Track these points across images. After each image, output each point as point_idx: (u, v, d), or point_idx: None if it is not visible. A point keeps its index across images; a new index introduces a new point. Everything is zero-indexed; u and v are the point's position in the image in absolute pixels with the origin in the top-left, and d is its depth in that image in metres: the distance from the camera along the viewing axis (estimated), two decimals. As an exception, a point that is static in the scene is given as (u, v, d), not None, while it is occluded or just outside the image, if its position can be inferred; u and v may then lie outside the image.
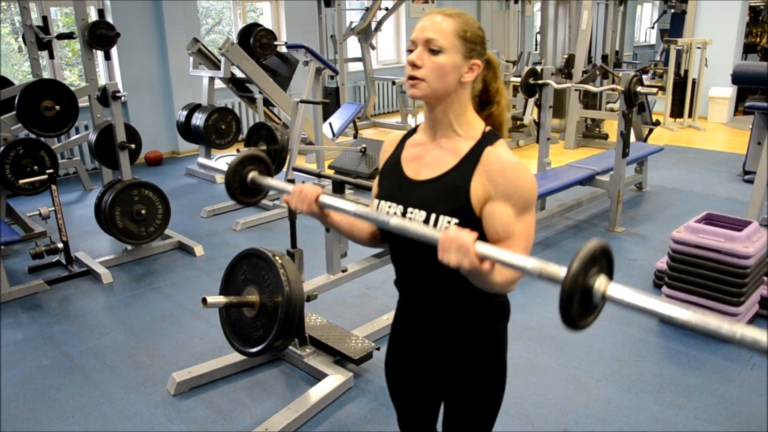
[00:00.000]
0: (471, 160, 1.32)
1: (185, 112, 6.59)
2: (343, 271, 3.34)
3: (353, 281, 3.50)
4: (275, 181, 1.55)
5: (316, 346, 3.05)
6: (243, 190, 1.57)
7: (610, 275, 1.01)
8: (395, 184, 1.42)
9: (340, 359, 2.98)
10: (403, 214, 1.37)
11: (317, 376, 2.91)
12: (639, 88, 4.57)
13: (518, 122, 8.13)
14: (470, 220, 1.31)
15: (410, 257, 1.44)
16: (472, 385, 1.48)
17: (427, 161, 1.39)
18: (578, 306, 0.98)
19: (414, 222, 1.24)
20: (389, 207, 1.40)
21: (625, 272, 4.07)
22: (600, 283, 0.98)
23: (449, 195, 1.32)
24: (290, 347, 2.99)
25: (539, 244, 4.61)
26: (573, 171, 5.04)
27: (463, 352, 1.46)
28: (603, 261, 1.01)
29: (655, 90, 5.06)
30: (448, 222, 1.30)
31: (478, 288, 1.34)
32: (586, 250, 0.97)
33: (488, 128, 1.37)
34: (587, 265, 0.97)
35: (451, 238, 1.11)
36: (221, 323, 2.52)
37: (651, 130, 7.17)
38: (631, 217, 5.17)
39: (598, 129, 8.02)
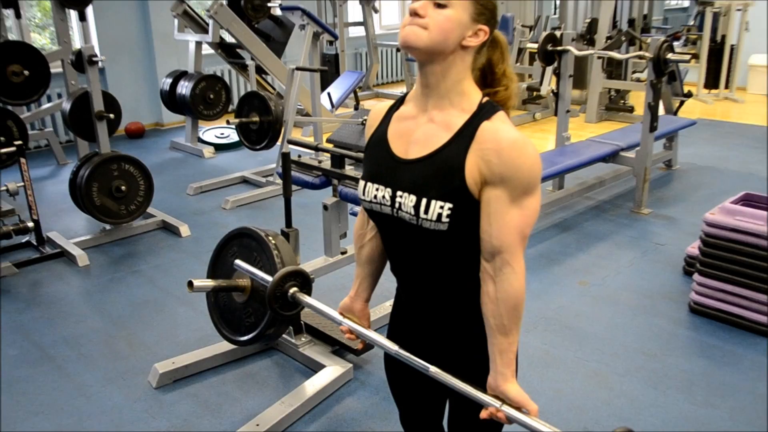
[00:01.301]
0: (465, 135, 1.27)
1: (170, 80, 6.53)
2: (343, 253, 3.32)
3: (353, 264, 3.47)
4: (318, 304, 1.62)
5: (313, 334, 3.03)
6: (282, 302, 1.67)
7: None
8: (382, 164, 1.38)
9: (339, 349, 2.97)
10: (392, 198, 1.34)
11: (313, 368, 2.89)
12: (669, 56, 4.51)
13: (535, 93, 8.07)
14: (466, 204, 1.27)
15: (401, 241, 1.41)
16: (478, 379, 1.45)
17: (416, 137, 1.34)
18: None
19: (456, 379, 1.35)
20: (377, 190, 1.37)
21: (652, 258, 4.04)
22: None
23: (442, 176, 1.28)
24: (284, 336, 2.98)
25: (557, 226, 4.58)
26: (595, 147, 5.00)
27: (466, 342, 1.44)
28: None
29: (687, 57, 5.00)
30: (441, 207, 1.26)
31: (473, 277, 1.33)
32: None
33: (485, 99, 1.33)
34: None
35: (489, 413, 1.31)
36: (209, 309, 2.49)
37: (682, 103, 7.10)
38: (658, 197, 5.13)
39: (623, 101, 7.95)
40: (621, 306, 3.47)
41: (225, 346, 2.95)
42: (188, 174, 5.98)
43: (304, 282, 1.69)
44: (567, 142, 5.22)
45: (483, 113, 1.29)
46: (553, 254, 4.12)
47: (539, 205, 1.30)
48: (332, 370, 2.81)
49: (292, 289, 1.65)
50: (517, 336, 1.32)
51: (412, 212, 1.30)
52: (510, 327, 1.30)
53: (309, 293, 1.67)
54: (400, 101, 1.44)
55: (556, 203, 4.84)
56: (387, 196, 1.35)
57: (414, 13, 1.27)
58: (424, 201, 1.28)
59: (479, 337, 1.41)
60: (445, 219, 1.27)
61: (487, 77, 1.38)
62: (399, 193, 1.32)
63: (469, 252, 1.34)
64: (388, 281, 1.57)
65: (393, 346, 1.46)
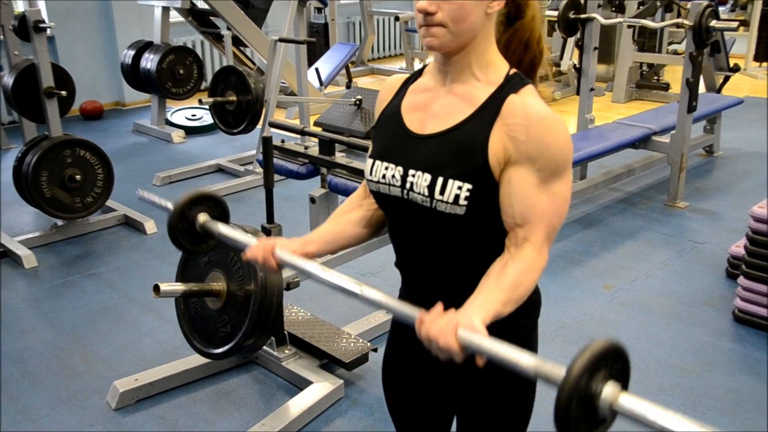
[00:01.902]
0: (490, 109, 1.30)
1: (132, 53, 6.51)
2: (332, 252, 3.31)
3: (345, 265, 3.46)
4: (231, 230, 1.59)
5: (298, 346, 3.03)
6: (190, 235, 1.63)
7: (623, 382, 1.05)
8: (393, 140, 1.41)
9: (328, 363, 2.97)
10: (403, 178, 1.35)
11: (299, 384, 2.89)
12: (713, 23, 4.49)
13: (554, 69, 8.05)
14: (487, 186, 1.29)
15: (411, 228, 1.42)
16: (491, 396, 1.47)
17: (434, 111, 1.37)
18: (580, 418, 1.01)
19: (388, 297, 1.28)
20: (386, 169, 1.39)
21: (689, 258, 4.04)
22: (609, 392, 1.02)
23: (462, 154, 1.30)
24: (265, 347, 2.97)
25: (578, 221, 4.58)
26: (623, 130, 5.01)
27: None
28: (615, 364, 1.05)
29: (734, 25, 4.98)
30: (459, 188, 1.28)
31: None
32: (593, 349, 1.01)
33: (513, 71, 1.35)
34: (593, 368, 1.00)
35: (426, 328, 1.17)
36: (178, 318, 2.50)
37: (727, 78, 7.09)
38: (697, 188, 5.14)
39: (656, 77, 7.95)
40: (653, 314, 3.48)
41: (196, 360, 2.94)
42: (154, 161, 5.96)
43: (221, 212, 1.65)
44: (591, 125, 5.22)
45: (510, 86, 1.31)
46: (574, 254, 4.12)
47: (570, 193, 1.32)
48: (320, 387, 2.81)
49: (202, 217, 1.61)
50: (508, 308, 1.26)
51: (426, 193, 1.31)
52: (510, 290, 1.25)
53: (226, 221, 1.63)
54: (417, 73, 1.46)
55: (578, 195, 4.84)
56: (397, 176, 1.36)
57: (424, 12, 1.28)
58: (440, 180, 1.29)
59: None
60: (462, 201, 1.28)
61: (511, 11, 1.39)
62: (411, 171, 1.34)
63: (488, 240, 1.35)
64: (386, 284, 1.57)
65: (322, 272, 1.37)
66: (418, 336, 1.18)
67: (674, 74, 7.86)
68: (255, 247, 1.47)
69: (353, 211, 1.56)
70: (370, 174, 1.42)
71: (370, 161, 1.43)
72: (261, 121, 5.18)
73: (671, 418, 0.95)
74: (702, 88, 6.13)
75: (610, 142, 4.75)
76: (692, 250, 4.15)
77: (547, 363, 1.06)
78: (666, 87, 7.75)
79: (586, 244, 4.26)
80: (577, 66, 5.46)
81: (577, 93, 5.45)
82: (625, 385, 1.04)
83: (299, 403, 2.73)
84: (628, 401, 1.00)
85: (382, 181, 1.39)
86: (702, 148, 5.86)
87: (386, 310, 1.27)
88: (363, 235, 1.57)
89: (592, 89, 5.23)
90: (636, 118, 5.36)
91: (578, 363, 0.99)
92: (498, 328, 1.43)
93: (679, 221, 4.59)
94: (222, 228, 1.58)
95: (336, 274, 1.35)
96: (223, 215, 1.65)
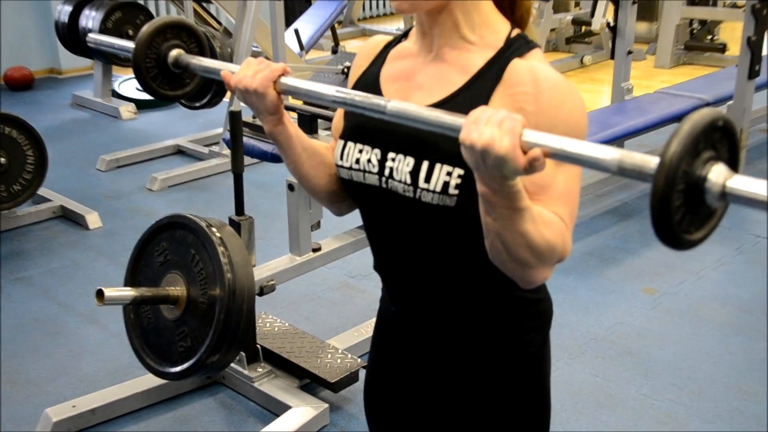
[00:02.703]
0: (488, 78, 1.29)
1: (69, 9, 6.48)
2: (315, 250, 3.32)
3: (330, 266, 3.48)
4: (212, 61, 1.52)
5: (274, 363, 3.04)
6: (162, 76, 1.57)
7: (733, 165, 0.97)
8: (370, 117, 1.36)
9: (310, 383, 2.98)
10: (381, 163, 1.34)
11: (274, 410, 2.90)
12: (781, -32, 4.50)
13: (584, 28, 8.07)
14: None
15: (392, 224, 1.41)
16: (492, 426, 1.48)
17: (420, 81, 1.36)
18: (682, 209, 0.94)
19: (419, 107, 1.18)
20: (360, 152, 1.38)
21: (750, 256, 4.06)
22: (717, 173, 0.93)
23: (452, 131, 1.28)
24: (233, 365, 2.98)
25: (613, 212, 4.61)
26: (668, 101, 5.01)
27: (475, 376, 1.45)
28: (721, 142, 0.97)
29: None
30: (448, 174, 1.26)
31: (494, 277, 1.30)
32: (692, 123, 0.92)
33: (516, 32, 1.34)
34: (695, 146, 0.91)
35: (489, 111, 1.08)
36: (127, 330, 2.49)
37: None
38: (760, 170, 5.17)
39: (710, 36, 7.95)
40: (706, 323, 3.48)
41: (150, 380, 2.94)
42: (98, 141, 5.95)
43: (198, 46, 1.61)
44: (628, 96, 5.22)
45: (513, 50, 1.30)
46: (608, 251, 4.13)
47: (581, 170, 1.27)
48: (300, 412, 2.81)
49: (174, 51, 1.55)
50: (532, 225, 1.18)
51: (408, 180, 1.30)
52: (540, 218, 1.19)
53: (205, 55, 1.59)
54: (402, 35, 1.46)
55: (612, 181, 4.83)
56: (374, 160, 1.35)
57: None
58: (425, 165, 1.28)
59: (502, 362, 1.43)
60: (453, 190, 1.26)
61: None
62: (391, 155, 1.33)
63: (483, 238, 1.32)
64: (378, 289, 1.56)
65: (337, 92, 1.31)
66: (468, 139, 1.07)
67: (732, 32, 7.89)
68: (249, 69, 1.38)
69: (329, 156, 1.49)
70: (341, 159, 1.40)
71: (340, 142, 1.41)
72: (228, 93, 5.17)
73: None
74: (766, 49, 6.15)
75: (652, 116, 4.75)
76: (754, 246, 4.15)
77: (633, 153, 0.98)
78: (722, 48, 7.78)
79: (622, 240, 4.26)
80: (612, 24, 5.46)
81: (612, 57, 5.47)
82: (735, 167, 0.96)
83: (276, 432, 2.74)
84: (741, 182, 0.91)
85: (356, 166, 1.38)
86: (766, 123, 5.87)
87: (421, 120, 1.17)
88: (325, 183, 1.49)
89: (630, 52, 5.22)
90: (684, 87, 5.36)
91: (674, 143, 0.90)
92: (500, 348, 1.44)
93: (738, 211, 4.49)
94: (203, 60, 1.52)
95: (354, 92, 1.28)
96: (200, 50, 1.60)
